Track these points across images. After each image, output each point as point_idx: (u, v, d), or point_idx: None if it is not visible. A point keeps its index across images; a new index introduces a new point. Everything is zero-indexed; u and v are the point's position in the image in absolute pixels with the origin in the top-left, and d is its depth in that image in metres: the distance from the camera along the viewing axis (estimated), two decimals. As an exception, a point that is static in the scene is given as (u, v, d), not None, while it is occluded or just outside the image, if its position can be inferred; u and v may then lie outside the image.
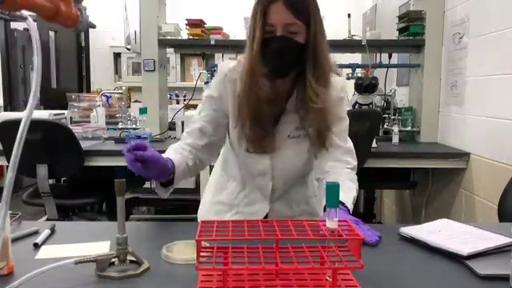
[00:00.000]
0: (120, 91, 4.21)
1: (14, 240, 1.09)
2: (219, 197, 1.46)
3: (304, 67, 1.24)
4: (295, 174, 1.39)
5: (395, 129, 2.93)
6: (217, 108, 1.35)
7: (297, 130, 1.32)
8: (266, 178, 1.36)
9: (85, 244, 1.10)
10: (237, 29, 3.41)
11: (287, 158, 1.34)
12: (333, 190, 0.86)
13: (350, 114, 1.41)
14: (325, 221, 0.88)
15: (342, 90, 1.35)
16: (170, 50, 3.39)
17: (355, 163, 1.37)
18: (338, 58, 3.42)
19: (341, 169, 1.32)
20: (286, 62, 1.23)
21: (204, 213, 1.49)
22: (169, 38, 3.06)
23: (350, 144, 1.38)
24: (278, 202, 1.40)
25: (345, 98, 1.37)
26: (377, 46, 3.12)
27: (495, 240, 1.09)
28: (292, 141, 1.33)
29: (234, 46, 2.74)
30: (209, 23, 3.14)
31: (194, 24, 3.07)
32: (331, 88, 1.29)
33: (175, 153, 1.30)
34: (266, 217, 1.40)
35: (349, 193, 1.25)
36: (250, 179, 1.39)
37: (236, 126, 1.32)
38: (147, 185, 3.41)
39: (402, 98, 3.47)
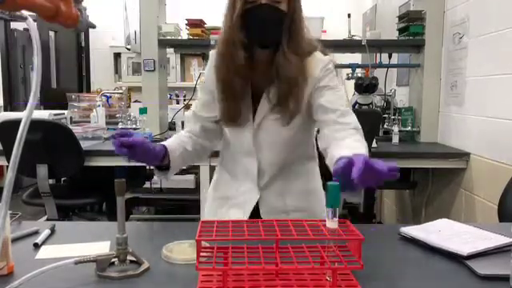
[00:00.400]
0: (120, 91, 4.20)
1: (14, 240, 1.09)
2: (218, 192, 1.48)
3: (280, 38, 1.25)
4: (280, 153, 1.35)
5: (395, 129, 2.93)
6: (208, 92, 1.39)
7: (277, 107, 1.29)
8: (251, 158, 1.35)
9: (85, 244, 1.10)
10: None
11: (269, 131, 1.32)
12: (333, 189, 0.86)
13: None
14: (325, 221, 0.88)
15: (329, 63, 1.31)
16: (170, 50, 3.39)
17: (357, 124, 1.27)
18: (338, 57, 3.42)
19: (343, 130, 1.24)
20: (270, 30, 1.24)
21: (207, 209, 1.52)
22: (169, 38, 3.06)
23: (347, 108, 1.30)
24: (268, 190, 1.38)
25: (333, 70, 1.32)
26: (377, 45, 3.12)
27: (495, 240, 1.09)
28: (273, 117, 1.30)
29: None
30: (209, 23, 3.14)
31: (194, 24, 3.07)
32: (313, 62, 1.29)
33: (174, 139, 1.37)
34: (257, 207, 1.38)
35: (355, 150, 1.07)
36: (240, 168, 1.39)
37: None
38: (147, 185, 3.42)
39: (402, 98, 3.47)
